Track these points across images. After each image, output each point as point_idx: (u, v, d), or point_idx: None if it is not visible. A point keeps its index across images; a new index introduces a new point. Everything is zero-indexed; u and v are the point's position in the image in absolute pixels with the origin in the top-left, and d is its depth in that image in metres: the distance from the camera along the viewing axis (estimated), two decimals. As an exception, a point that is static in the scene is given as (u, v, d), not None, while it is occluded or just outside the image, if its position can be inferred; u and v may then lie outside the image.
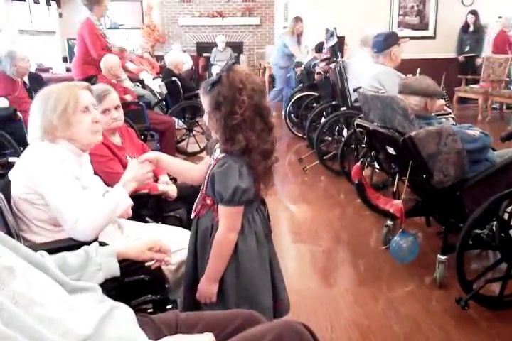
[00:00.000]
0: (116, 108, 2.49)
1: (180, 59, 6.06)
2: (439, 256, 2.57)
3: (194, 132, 5.92)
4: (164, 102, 6.28)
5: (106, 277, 1.36)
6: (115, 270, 1.38)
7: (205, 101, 1.51)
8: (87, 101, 1.82)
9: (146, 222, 2.34)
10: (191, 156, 5.70)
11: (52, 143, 1.78)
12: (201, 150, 5.78)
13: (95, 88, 2.46)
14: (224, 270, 1.56)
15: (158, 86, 6.69)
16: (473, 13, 8.14)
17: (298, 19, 7.27)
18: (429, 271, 2.73)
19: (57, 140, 1.78)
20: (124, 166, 2.44)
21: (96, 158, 2.35)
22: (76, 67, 5.14)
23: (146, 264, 1.50)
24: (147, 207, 2.40)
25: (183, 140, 6.00)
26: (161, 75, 7.76)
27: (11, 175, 1.80)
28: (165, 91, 6.05)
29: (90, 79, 4.81)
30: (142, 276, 1.51)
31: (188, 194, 2.51)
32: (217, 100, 1.45)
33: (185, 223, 2.41)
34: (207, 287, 1.57)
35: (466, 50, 8.33)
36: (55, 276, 1.14)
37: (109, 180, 2.36)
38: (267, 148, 1.50)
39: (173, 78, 5.76)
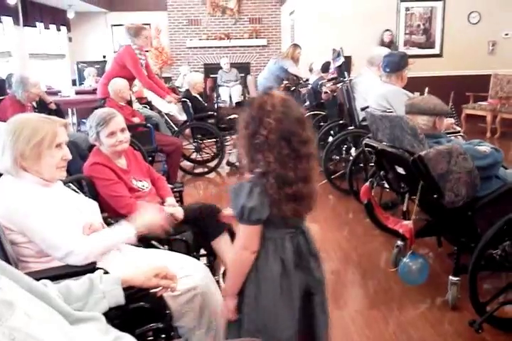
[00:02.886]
0: (121, 131, 2.49)
1: (196, 79, 6.00)
2: (451, 277, 2.52)
3: (203, 153, 5.95)
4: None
5: (111, 305, 1.34)
6: (120, 298, 1.35)
7: (239, 121, 1.54)
8: (62, 139, 1.81)
9: (152, 245, 2.33)
10: (198, 176, 5.71)
11: (17, 177, 1.76)
12: (209, 172, 5.78)
13: (100, 112, 2.48)
14: (241, 288, 1.54)
15: (175, 110, 6.75)
16: (390, 30, 8.08)
17: (296, 46, 7.36)
18: (440, 292, 2.68)
19: (22, 173, 1.76)
20: (130, 190, 2.43)
21: (101, 182, 2.35)
22: (100, 85, 5.22)
23: (152, 291, 1.47)
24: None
25: (207, 161, 6.03)
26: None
27: None
28: (184, 116, 6.08)
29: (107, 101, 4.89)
30: (142, 303, 1.47)
31: (194, 217, 2.50)
32: (246, 120, 1.49)
33: (191, 246, 2.39)
34: (226, 302, 1.57)
35: None
36: (58, 307, 1.12)
37: (114, 203, 2.36)
38: (287, 174, 1.46)
39: (184, 99, 5.80)
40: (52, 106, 4.83)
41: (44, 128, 1.75)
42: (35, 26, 8.99)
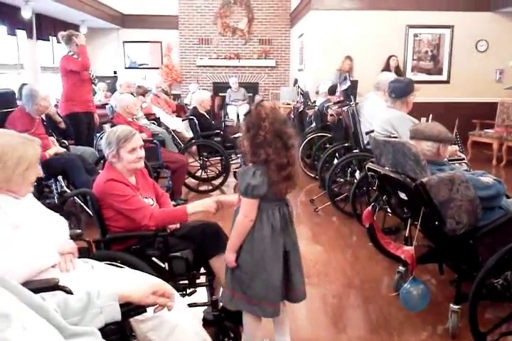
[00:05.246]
0: (140, 147, 2.53)
1: (203, 97, 6.07)
2: (451, 305, 2.50)
3: (209, 171, 5.97)
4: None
5: (107, 321, 1.33)
6: (116, 314, 1.35)
7: (242, 127, 2.06)
8: (39, 157, 1.84)
9: (152, 261, 2.32)
10: (202, 194, 5.71)
11: None
12: (213, 189, 5.78)
13: (121, 129, 2.50)
14: (240, 245, 2.06)
15: (182, 127, 6.81)
16: (395, 56, 8.12)
17: (346, 58, 7.41)
18: (442, 320, 2.65)
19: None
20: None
21: (118, 198, 2.36)
22: (60, 103, 5.30)
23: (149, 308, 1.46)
24: (153, 246, 2.39)
25: (212, 179, 6.05)
26: (174, 115, 7.94)
27: None
28: (190, 133, 6.12)
29: (74, 116, 5.06)
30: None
31: (195, 234, 2.50)
32: (247, 125, 2.01)
33: (191, 264, 2.38)
34: (228, 255, 2.09)
35: None
36: (54, 321, 1.12)
37: (135, 215, 2.37)
38: (282, 161, 1.99)
39: (191, 117, 5.85)
40: (62, 126, 4.89)
41: (28, 153, 1.77)
42: (48, 40, 9.15)
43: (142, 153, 2.52)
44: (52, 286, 1.62)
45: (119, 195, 2.36)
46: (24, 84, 5.41)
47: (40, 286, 1.61)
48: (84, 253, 2.10)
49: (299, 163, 6.47)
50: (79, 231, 2.18)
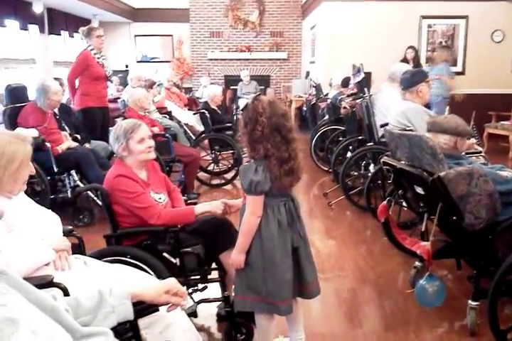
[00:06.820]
0: (149, 137, 2.50)
1: (215, 92, 6.09)
2: (470, 301, 2.45)
3: (220, 164, 5.95)
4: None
5: (119, 320, 1.31)
6: (129, 313, 1.32)
7: (240, 122, 2.03)
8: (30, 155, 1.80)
9: (164, 257, 2.30)
10: (214, 188, 5.69)
11: None
12: (225, 183, 5.76)
13: (126, 122, 2.49)
14: (250, 245, 1.99)
15: (195, 122, 6.81)
16: (413, 48, 7.85)
17: (447, 48, 7.26)
18: (459, 316, 2.60)
19: None
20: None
21: (125, 194, 2.33)
22: (77, 97, 5.33)
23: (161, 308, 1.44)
24: (164, 241, 2.36)
25: (223, 172, 6.05)
26: (186, 108, 7.93)
27: None
28: (202, 127, 6.13)
29: (88, 111, 5.14)
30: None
31: (206, 228, 2.48)
32: (245, 121, 1.97)
33: (202, 259, 2.36)
34: (237, 257, 2.02)
35: None
36: (65, 322, 1.10)
37: (142, 214, 2.34)
38: (283, 155, 1.94)
39: (202, 110, 5.83)
40: None
41: (19, 152, 1.73)
42: (60, 34, 9.16)
43: (152, 142, 2.50)
44: (47, 283, 1.60)
45: (127, 191, 2.34)
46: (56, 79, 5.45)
47: (35, 283, 1.59)
48: (75, 249, 2.08)
49: (313, 156, 6.44)
50: (70, 227, 2.16)
